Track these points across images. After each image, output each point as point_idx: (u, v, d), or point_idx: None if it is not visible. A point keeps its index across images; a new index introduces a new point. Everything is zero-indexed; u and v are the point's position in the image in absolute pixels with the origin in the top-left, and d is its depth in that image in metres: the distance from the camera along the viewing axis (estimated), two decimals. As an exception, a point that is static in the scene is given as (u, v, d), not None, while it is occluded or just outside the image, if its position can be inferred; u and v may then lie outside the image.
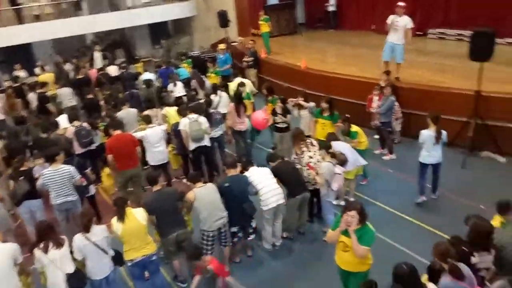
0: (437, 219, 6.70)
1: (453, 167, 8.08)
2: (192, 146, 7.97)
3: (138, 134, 7.82)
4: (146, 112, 9.02)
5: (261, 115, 8.60)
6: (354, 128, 7.71)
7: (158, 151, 7.91)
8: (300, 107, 8.60)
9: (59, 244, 4.84)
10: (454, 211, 6.67)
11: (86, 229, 4.93)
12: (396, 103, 8.94)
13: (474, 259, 4.40)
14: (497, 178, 7.67)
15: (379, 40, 14.47)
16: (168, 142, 8.60)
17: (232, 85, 10.28)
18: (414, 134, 8.75)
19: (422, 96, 9.17)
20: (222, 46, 13.83)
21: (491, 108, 8.31)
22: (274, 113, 8.58)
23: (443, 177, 7.59)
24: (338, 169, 6.24)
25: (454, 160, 8.27)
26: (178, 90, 11.26)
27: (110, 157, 7.29)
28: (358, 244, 4.39)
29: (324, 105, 7.99)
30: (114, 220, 5.17)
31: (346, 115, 7.87)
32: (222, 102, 9.44)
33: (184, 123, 7.88)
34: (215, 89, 9.83)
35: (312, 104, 8.56)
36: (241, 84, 9.73)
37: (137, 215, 5.21)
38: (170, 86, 11.37)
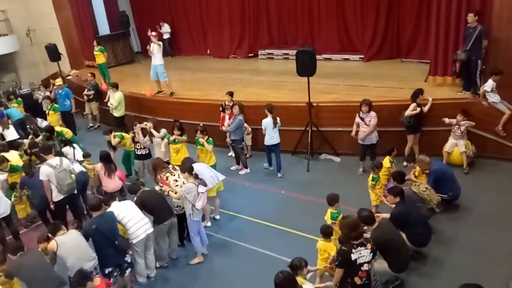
0: (293, 220, 7.37)
1: (299, 172, 9.09)
2: (58, 197, 7.09)
3: None
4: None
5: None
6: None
7: None
8: (151, 134, 8.63)
9: None
10: (308, 211, 7.49)
11: None
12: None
13: (353, 256, 4.63)
14: (336, 176, 8.81)
15: (215, 63, 15.46)
16: (12, 188, 7.78)
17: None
18: (262, 147, 9.53)
19: (264, 111, 9.98)
20: (59, 81, 13.01)
21: (321, 116, 9.54)
22: (134, 141, 8.67)
23: (294, 182, 8.64)
24: (201, 188, 6.48)
25: (299, 166, 9.30)
26: (11, 133, 10.25)
27: None
28: None
29: (175, 132, 8.18)
30: None
31: (201, 123, 8.55)
32: (78, 153, 8.58)
33: (48, 173, 6.88)
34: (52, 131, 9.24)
35: (163, 130, 8.68)
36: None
37: None
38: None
